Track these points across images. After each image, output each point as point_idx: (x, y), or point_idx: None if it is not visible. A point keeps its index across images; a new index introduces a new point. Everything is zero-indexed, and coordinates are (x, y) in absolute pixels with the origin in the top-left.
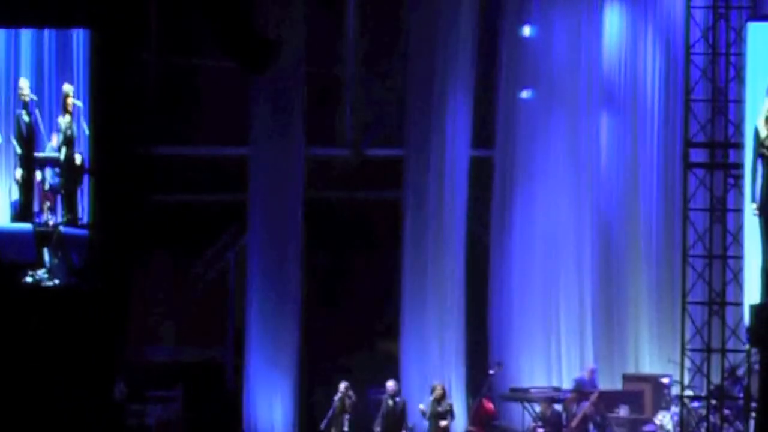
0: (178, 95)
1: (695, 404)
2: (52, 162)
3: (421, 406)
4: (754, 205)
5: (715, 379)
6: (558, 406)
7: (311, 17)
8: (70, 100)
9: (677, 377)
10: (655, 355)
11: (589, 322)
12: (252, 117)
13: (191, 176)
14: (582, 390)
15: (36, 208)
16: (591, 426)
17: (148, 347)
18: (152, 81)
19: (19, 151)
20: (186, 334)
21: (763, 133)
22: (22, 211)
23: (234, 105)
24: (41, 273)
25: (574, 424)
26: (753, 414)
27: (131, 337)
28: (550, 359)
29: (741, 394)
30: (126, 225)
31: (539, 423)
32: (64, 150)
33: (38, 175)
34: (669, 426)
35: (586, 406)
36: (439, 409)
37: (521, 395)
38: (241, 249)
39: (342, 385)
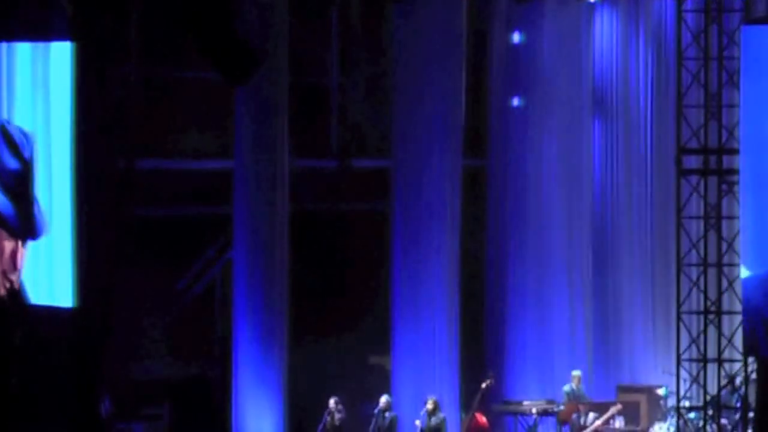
0: (161, 108)
1: (692, 415)
2: None
3: (418, 423)
4: None
5: (712, 389)
6: None
7: (295, 26)
8: None
9: (673, 388)
10: (650, 366)
11: (583, 333)
12: (236, 129)
13: (175, 190)
14: (576, 401)
15: None
16: None
17: (133, 364)
18: (134, 94)
19: None
20: (172, 350)
21: None
22: None
23: (217, 117)
24: None
25: None
26: (751, 424)
27: (116, 354)
28: (545, 370)
29: (738, 404)
30: (110, 240)
31: None
32: None
33: None
34: None
35: (597, 422)
36: (432, 422)
37: (515, 407)
38: (226, 263)
39: (331, 401)
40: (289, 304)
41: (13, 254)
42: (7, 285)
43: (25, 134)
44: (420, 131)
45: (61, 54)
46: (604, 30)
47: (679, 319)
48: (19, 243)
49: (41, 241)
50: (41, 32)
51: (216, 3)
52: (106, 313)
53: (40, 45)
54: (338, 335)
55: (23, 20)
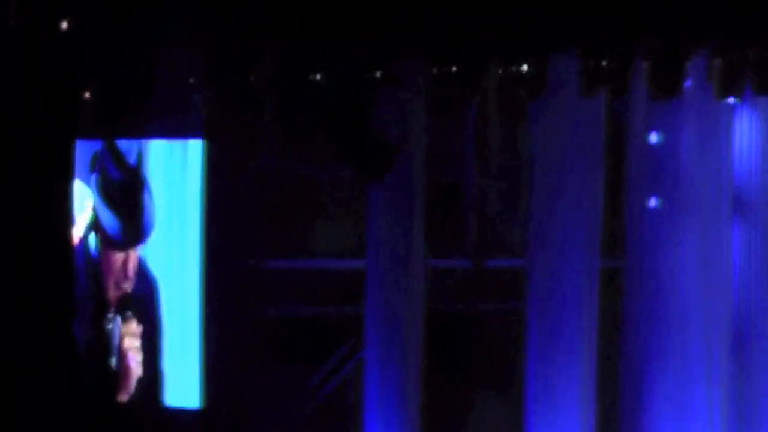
0: (292, 205)
1: None
2: None
3: None
4: None
5: None
6: None
7: (432, 122)
8: None
9: None
10: None
11: None
12: (369, 227)
13: (307, 289)
14: None
15: None
16: None
17: None
18: (265, 191)
19: None
20: None
21: None
22: None
23: (350, 215)
24: None
25: None
26: None
27: None
28: None
29: None
30: (239, 340)
31: None
32: None
33: None
34: None
35: None
36: None
37: None
38: (359, 363)
39: None
40: (423, 406)
41: (125, 264)
42: (119, 293)
43: (133, 144)
44: (556, 231)
45: (194, 152)
46: (744, 131)
47: None
48: (129, 252)
49: (169, 342)
50: (176, 130)
51: (352, 98)
52: (234, 414)
53: (176, 143)
54: None
55: (159, 118)
